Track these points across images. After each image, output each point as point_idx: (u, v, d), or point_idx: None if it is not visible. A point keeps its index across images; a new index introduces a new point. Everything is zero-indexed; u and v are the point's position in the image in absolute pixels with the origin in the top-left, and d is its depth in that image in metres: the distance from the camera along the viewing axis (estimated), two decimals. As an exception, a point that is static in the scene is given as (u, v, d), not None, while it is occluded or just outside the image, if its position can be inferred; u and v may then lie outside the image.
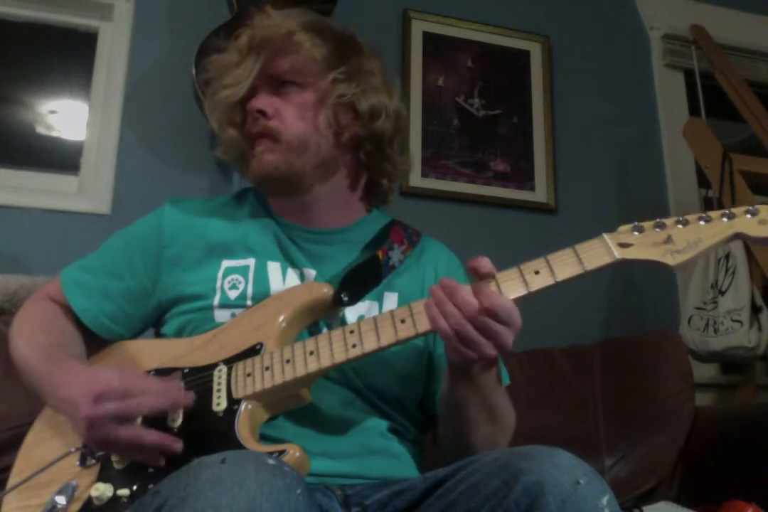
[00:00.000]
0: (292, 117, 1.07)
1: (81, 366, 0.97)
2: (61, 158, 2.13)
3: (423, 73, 2.35)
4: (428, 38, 2.40)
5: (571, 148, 2.43)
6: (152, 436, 0.87)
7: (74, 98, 2.21)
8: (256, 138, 1.09)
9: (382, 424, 1.02)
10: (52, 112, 2.20)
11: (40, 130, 2.19)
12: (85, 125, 2.12)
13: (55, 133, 2.21)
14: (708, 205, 2.43)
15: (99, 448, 0.91)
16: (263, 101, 1.08)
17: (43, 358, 0.99)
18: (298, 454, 0.82)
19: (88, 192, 2.01)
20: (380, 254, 1.07)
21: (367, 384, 1.01)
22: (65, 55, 2.22)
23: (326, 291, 0.99)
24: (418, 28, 2.39)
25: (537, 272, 0.86)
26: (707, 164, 2.19)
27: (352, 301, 1.01)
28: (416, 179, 2.23)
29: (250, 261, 1.06)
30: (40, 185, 2.04)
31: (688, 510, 1.46)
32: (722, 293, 2.08)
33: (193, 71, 1.90)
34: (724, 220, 0.85)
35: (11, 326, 1.08)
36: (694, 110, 2.58)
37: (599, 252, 0.86)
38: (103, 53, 2.15)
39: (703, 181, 2.44)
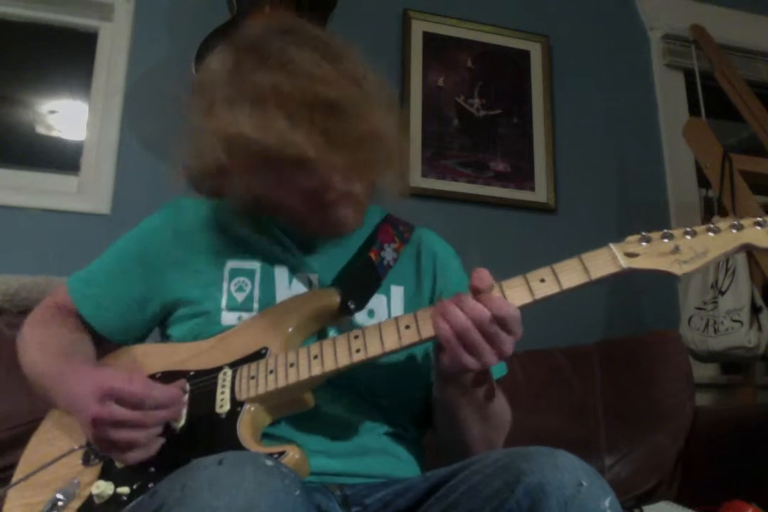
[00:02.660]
0: None
1: (91, 367, 0.98)
2: (61, 158, 2.13)
3: (423, 73, 2.35)
4: (428, 38, 2.39)
5: (571, 148, 2.43)
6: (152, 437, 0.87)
7: (74, 98, 2.21)
8: None
9: (384, 424, 1.02)
10: (52, 112, 2.20)
11: (40, 130, 2.19)
12: (85, 125, 2.11)
13: (55, 133, 2.21)
14: (708, 204, 2.42)
15: (99, 447, 0.91)
16: None
17: (54, 361, 1.00)
18: (297, 456, 0.82)
19: (88, 192, 2.01)
20: (373, 256, 1.07)
21: (369, 384, 1.01)
22: (65, 55, 2.21)
23: (334, 299, 0.99)
24: (418, 28, 2.39)
25: (542, 280, 0.86)
26: (707, 164, 2.19)
27: (359, 308, 1.02)
28: (416, 179, 2.22)
29: (256, 265, 1.06)
30: (40, 185, 2.04)
31: (688, 510, 1.46)
32: (722, 293, 2.08)
33: (193, 71, 1.90)
34: (733, 231, 0.85)
35: (20, 333, 1.08)
36: (694, 110, 2.58)
37: (605, 261, 0.86)
38: (103, 53, 2.15)
39: (703, 181, 2.44)
